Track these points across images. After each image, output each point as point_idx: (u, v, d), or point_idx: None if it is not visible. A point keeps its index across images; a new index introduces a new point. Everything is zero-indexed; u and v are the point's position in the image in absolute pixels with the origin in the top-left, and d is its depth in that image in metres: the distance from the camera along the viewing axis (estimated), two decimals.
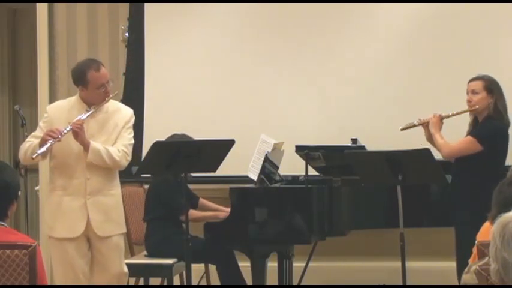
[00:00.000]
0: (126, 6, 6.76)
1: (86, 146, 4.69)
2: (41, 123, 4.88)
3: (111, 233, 4.85)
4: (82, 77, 4.79)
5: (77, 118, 4.72)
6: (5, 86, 7.88)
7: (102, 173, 4.80)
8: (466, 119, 5.42)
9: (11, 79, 7.91)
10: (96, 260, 4.86)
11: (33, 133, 4.87)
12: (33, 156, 4.61)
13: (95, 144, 4.72)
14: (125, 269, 4.96)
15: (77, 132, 4.65)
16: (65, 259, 4.78)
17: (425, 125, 5.38)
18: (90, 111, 4.76)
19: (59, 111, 4.87)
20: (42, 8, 6.88)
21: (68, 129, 4.64)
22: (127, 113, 4.93)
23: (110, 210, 4.85)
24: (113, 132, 4.83)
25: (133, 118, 4.95)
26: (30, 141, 4.77)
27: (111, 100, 4.87)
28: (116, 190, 4.92)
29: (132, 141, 4.89)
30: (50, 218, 4.87)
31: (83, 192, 4.77)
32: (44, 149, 4.58)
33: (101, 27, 6.86)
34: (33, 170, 7.28)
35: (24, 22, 7.77)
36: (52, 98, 6.87)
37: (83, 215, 4.77)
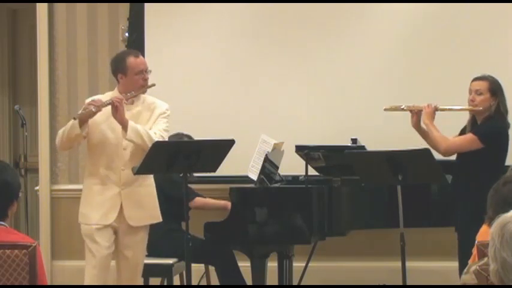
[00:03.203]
0: (126, 6, 6.76)
1: (124, 124, 4.74)
2: None
3: (143, 223, 4.93)
4: (121, 64, 4.89)
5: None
6: (5, 86, 7.87)
7: (137, 164, 4.84)
8: (465, 116, 5.41)
9: (11, 79, 7.90)
10: (122, 254, 4.92)
11: None
12: (75, 116, 4.68)
13: (134, 123, 4.77)
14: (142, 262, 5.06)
15: (117, 106, 4.72)
16: (92, 246, 4.83)
17: (414, 111, 5.37)
18: (130, 94, 4.82)
19: None
20: (42, 8, 6.88)
21: (108, 101, 4.72)
22: (162, 106, 5.00)
23: (143, 200, 4.93)
24: (148, 123, 4.90)
25: (169, 112, 4.99)
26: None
27: (147, 95, 4.94)
28: (150, 180, 5.00)
29: (168, 130, 4.96)
30: (82, 205, 4.94)
31: (118, 183, 4.86)
32: (84, 111, 4.68)
33: (101, 27, 6.85)
34: (33, 170, 7.28)
35: (24, 22, 7.76)
36: (52, 98, 6.88)
37: (115, 204, 4.85)
